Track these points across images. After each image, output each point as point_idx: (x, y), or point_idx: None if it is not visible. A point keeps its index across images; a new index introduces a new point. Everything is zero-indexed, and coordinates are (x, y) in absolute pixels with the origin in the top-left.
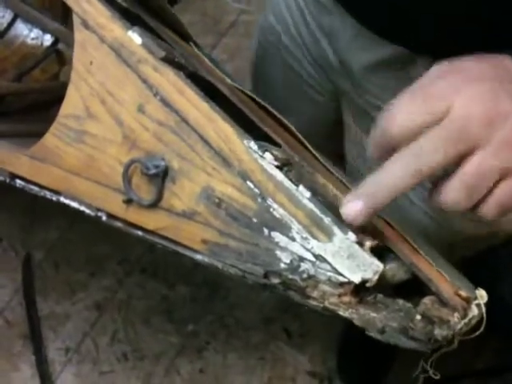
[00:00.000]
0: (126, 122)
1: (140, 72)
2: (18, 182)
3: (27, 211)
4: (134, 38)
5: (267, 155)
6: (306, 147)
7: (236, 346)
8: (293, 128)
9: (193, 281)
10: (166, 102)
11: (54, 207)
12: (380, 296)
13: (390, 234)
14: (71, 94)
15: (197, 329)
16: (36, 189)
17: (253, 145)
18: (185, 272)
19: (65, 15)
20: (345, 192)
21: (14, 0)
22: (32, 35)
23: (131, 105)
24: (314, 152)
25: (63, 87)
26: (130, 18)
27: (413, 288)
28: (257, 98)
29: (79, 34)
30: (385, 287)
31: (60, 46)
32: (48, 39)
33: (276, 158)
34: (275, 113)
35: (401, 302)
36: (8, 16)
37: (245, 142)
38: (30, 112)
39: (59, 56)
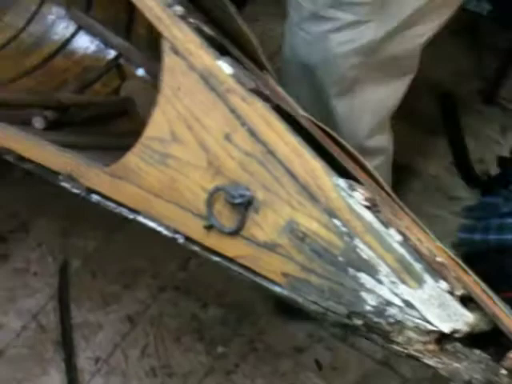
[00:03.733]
0: (212, 149)
1: (228, 101)
2: (94, 197)
3: (68, 218)
4: (224, 67)
5: (356, 194)
6: (381, 186)
7: (265, 372)
8: (368, 165)
9: (224, 302)
10: (253, 133)
11: (93, 217)
12: (459, 345)
13: (469, 281)
14: (157, 116)
15: (226, 351)
16: (112, 205)
17: (341, 183)
18: (217, 293)
19: (128, 30)
20: (425, 236)
21: (78, 12)
22: (94, 48)
23: (218, 132)
24: (390, 192)
25: (123, 102)
26: (216, 46)
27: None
28: (330, 132)
29: (168, 59)
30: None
31: (121, 60)
32: (110, 53)
33: (365, 198)
34: (350, 149)
35: (478, 352)
36: (71, 28)
37: (333, 179)
38: (88, 125)
39: (120, 70)
